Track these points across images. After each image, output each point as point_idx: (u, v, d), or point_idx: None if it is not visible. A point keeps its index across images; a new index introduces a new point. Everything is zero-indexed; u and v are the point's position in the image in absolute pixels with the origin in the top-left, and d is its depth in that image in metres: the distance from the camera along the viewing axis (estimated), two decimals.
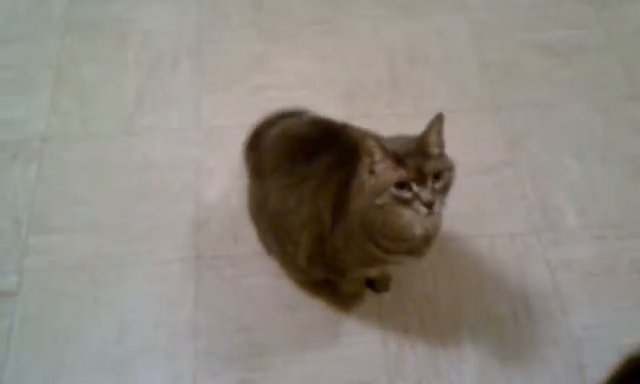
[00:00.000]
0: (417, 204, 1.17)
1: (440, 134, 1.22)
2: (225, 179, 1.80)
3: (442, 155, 1.22)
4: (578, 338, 1.51)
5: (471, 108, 1.95)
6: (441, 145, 1.23)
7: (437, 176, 1.18)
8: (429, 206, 1.16)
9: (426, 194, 1.16)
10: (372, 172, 1.21)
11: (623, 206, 1.72)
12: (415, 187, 1.16)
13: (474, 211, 1.72)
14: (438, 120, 1.21)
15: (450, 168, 1.21)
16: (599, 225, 1.69)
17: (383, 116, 1.94)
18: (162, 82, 2.02)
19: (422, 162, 1.18)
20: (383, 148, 1.18)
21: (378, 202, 1.20)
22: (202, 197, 1.77)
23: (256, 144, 1.50)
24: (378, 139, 1.19)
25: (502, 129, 1.90)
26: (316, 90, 2.00)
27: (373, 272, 1.50)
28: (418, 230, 1.25)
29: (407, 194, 1.17)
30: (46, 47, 2.13)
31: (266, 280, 1.60)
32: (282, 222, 1.40)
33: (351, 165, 1.28)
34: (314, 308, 1.56)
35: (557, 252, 1.64)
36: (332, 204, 1.33)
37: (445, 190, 1.20)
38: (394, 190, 1.17)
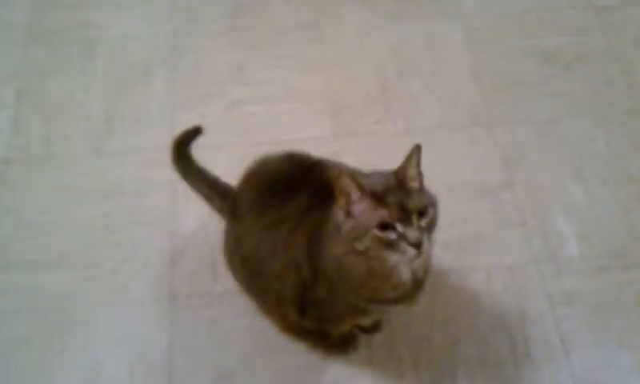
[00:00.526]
0: (404, 245, 1.07)
1: (419, 166, 1.13)
2: (203, 205, 1.70)
3: (422, 190, 1.14)
4: (582, 379, 1.44)
5: (465, 124, 1.87)
6: (420, 179, 1.14)
7: (421, 213, 1.09)
8: (417, 246, 1.07)
9: (412, 234, 1.07)
10: (349, 214, 1.11)
11: (627, 232, 1.65)
12: (400, 227, 1.07)
13: (470, 240, 1.64)
14: (416, 151, 1.11)
15: (433, 203, 1.13)
16: (602, 253, 1.62)
17: (371, 133, 1.86)
18: (134, 97, 1.92)
19: (403, 199, 1.09)
20: (360, 186, 1.09)
21: (359, 247, 1.10)
22: (177, 225, 1.67)
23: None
24: (353, 177, 1.09)
25: (497, 147, 1.82)
26: (299, 104, 1.92)
27: (365, 321, 1.41)
28: (406, 275, 1.16)
29: (392, 236, 1.07)
30: (7, 58, 2.00)
31: (246, 321, 1.51)
32: (258, 271, 1.31)
33: (326, 206, 1.18)
34: (299, 352, 1.48)
35: (558, 284, 1.57)
36: (307, 251, 1.23)
37: (431, 227, 1.11)
38: (376, 232, 1.08)
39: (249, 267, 1.34)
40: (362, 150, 1.81)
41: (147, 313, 1.54)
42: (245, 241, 1.33)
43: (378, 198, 1.09)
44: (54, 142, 1.84)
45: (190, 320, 1.53)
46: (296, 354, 1.48)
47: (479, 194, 1.72)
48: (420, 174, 1.14)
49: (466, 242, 1.63)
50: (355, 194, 1.10)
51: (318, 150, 1.76)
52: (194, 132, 1.53)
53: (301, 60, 2.01)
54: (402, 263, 1.13)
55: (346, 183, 1.09)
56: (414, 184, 1.13)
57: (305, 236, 1.24)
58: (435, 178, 1.72)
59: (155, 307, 1.55)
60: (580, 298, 1.56)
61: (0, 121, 1.87)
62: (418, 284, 1.21)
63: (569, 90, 1.93)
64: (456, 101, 1.91)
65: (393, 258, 1.10)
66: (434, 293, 1.54)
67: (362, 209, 1.10)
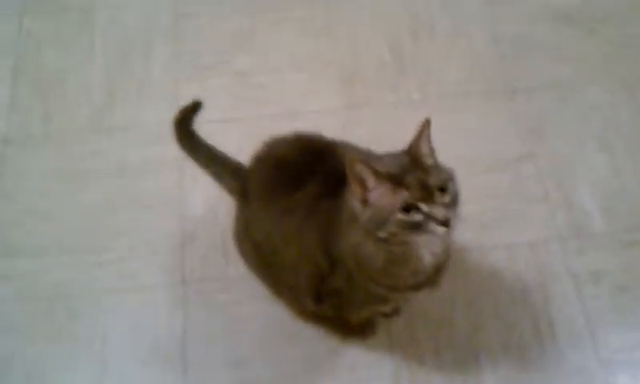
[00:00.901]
0: (432, 225, 1.03)
1: (430, 141, 1.09)
2: (212, 184, 1.65)
3: (438, 165, 1.09)
4: (609, 362, 1.41)
5: (483, 91, 1.81)
6: (433, 154, 1.10)
7: (442, 189, 1.05)
8: (445, 223, 1.03)
9: (439, 211, 1.03)
10: (366, 202, 1.07)
11: None
12: (424, 207, 1.03)
13: (489, 216, 1.60)
14: (427, 126, 1.07)
15: (451, 177, 1.09)
16: (629, 228, 1.58)
17: (385, 103, 1.81)
18: (135, 69, 1.87)
19: (423, 177, 1.05)
20: (375, 171, 1.05)
21: (382, 234, 1.06)
22: (186, 206, 1.63)
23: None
24: (367, 162, 1.05)
25: (517, 116, 1.76)
26: (308, 73, 1.86)
27: (385, 308, 1.38)
28: (428, 259, 1.12)
29: (417, 217, 1.03)
30: (1, 30, 1.92)
31: (261, 306, 1.48)
32: (270, 259, 1.27)
33: (339, 193, 1.15)
34: (316, 338, 1.45)
35: (582, 262, 1.54)
36: (321, 241, 1.19)
37: (454, 202, 1.07)
38: (400, 216, 1.04)
39: (260, 254, 1.31)
40: (375, 121, 1.76)
41: (159, 300, 1.51)
42: (255, 227, 1.29)
43: (395, 180, 1.04)
44: (54, 119, 1.79)
45: (204, 306, 1.50)
46: (313, 339, 1.45)
47: (499, 167, 1.68)
48: (432, 150, 1.09)
49: (485, 219, 1.60)
50: (371, 180, 1.05)
51: (329, 121, 1.73)
52: (194, 107, 1.48)
53: (309, 25, 1.95)
54: (428, 245, 1.09)
55: (360, 170, 1.05)
56: (429, 160, 1.09)
57: (318, 225, 1.20)
58: (452, 150, 1.65)
59: (167, 294, 1.52)
60: (606, 276, 1.52)
61: None
62: (439, 268, 1.17)
63: (591, 53, 1.87)
64: (473, 66, 1.85)
65: (421, 240, 1.06)
66: (455, 273, 1.50)
67: (380, 194, 1.06)
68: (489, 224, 1.59)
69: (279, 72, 1.86)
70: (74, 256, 1.57)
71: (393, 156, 1.11)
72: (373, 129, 1.73)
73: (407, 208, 1.03)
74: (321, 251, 1.20)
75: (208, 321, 1.48)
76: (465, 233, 1.53)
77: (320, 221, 1.20)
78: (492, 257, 1.55)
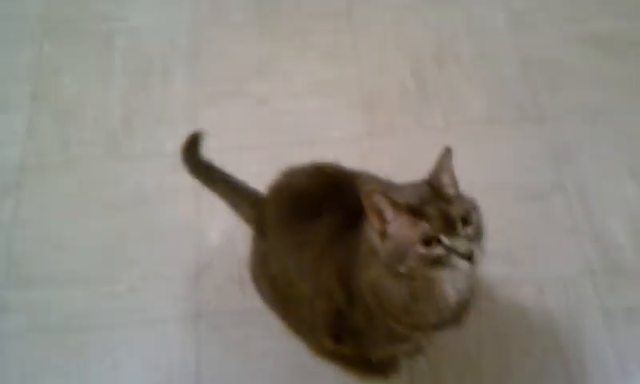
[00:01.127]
0: (454, 259, 0.98)
1: (451, 170, 1.04)
2: (229, 214, 1.62)
3: (460, 196, 1.04)
4: None
5: (511, 118, 1.76)
6: (455, 184, 1.05)
7: (464, 220, 1.00)
8: (469, 257, 0.98)
9: (462, 244, 0.98)
10: (384, 235, 1.02)
11: None
12: (446, 240, 0.98)
13: (518, 249, 1.55)
14: (447, 155, 1.03)
15: (474, 207, 1.03)
16: None
17: (408, 130, 1.76)
18: (153, 95, 1.85)
19: (444, 208, 0.99)
20: (393, 202, 1.00)
21: (402, 269, 1.01)
22: (202, 236, 1.60)
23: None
24: (385, 193, 1.00)
25: (547, 143, 1.71)
26: (330, 99, 1.83)
27: (406, 347, 1.33)
28: (452, 296, 1.07)
29: (439, 251, 0.98)
30: (20, 55, 1.93)
31: (278, 342, 1.44)
32: (286, 294, 1.23)
33: (358, 225, 1.10)
34: (335, 377, 1.41)
35: (615, 299, 1.48)
36: (339, 275, 1.15)
37: (478, 234, 1.02)
38: (420, 250, 0.99)
39: (276, 289, 1.27)
40: (398, 148, 1.72)
41: (171, 334, 1.48)
42: (271, 260, 1.25)
43: (415, 211, 1.00)
44: (70, 146, 1.77)
45: (218, 341, 1.47)
46: (331, 378, 1.41)
47: (527, 197, 1.63)
48: (454, 179, 1.04)
49: (513, 252, 1.54)
50: (389, 212, 1.01)
51: (349, 149, 1.69)
52: (193, 140, 1.46)
53: (330, 51, 1.91)
54: (452, 281, 1.04)
55: (378, 201, 1.00)
56: (451, 191, 1.04)
57: (336, 258, 1.16)
58: (478, 179, 1.61)
59: (180, 327, 1.49)
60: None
61: (14, 124, 1.80)
62: (464, 305, 1.12)
63: (624, 78, 1.82)
64: (501, 92, 1.80)
65: (443, 275, 1.01)
66: (481, 310, 1.45)
67: (400, 226, 1.01)
68: (517, 257, 1.54)
69: (300, 98, 1.83)
70: (87, 287, 1.55)
71: (413, 186, 1.06)
72: (395, 157, 1.69)
73: (428, 241, 0.98)
74: (338, 286, 1.16)
75: (223, 357, 1.45)
76: (492, 267, 1.48)
77: (338, 253, 1.16)
78: (520, 293, 1.49)
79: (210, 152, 1.70)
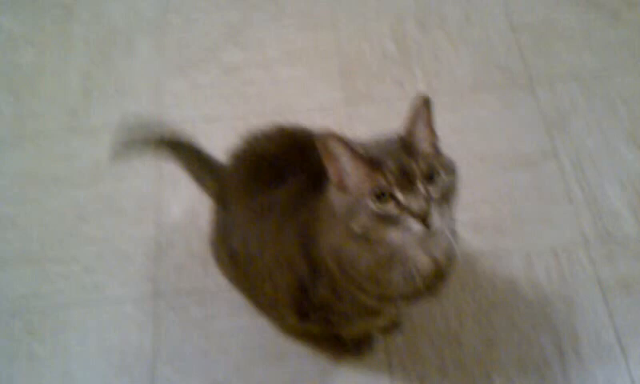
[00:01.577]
0: (408, 220, 0.88)
1: (429, 123, 0.94)
2: (192, 189, 1.54)
3: (436, 153, 0.94)
4: None
5: (500, 84, 1.67)
6: (433, 139, 0.95)
7: (430, 178, 0.90)
8: (423, 218, 0.87)
9: (415, 203, 0.88)
10: (341, 185, 0.93)
11: None
12: (400, 196, 0.88)
13: (506, 219, 1.46)
14: (424, 105, 0.92)
15: (448, 169, 0.93)
16: None
17: (389, 98, 1.67)
18: (115, 66, 1.78)
19: (405, 161, 0.90)
20: (351, 148, 0.90)
21: (355, 227, 0.92)
22: (163, 212, 1.52)
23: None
24: (342, 138, 0.91)
25: (538, 109, 1.63)
26: (305, 67, 1.75)
27: (379, 322, 1.23)
28: (423, 263, 0.98)
29: (391, 208, 0.89)
30: None
31: (242, 321, 1.36)
32: (247, 269, 1.14)
33: (322, 189, 1.01)
34: (305, 358, 1.32)
35: (611, 270, 1.39)
36: (301, 244, 1.06)
37: (446, 198, 0.91)
38: (372, 205, 0.89)
39: (237, 264, 1.18)
40: (378, 118, 1.64)
41: (128, 315, 1.40)
42: (232, 233, 1.16)
43: (372, 162, 0.90)
44: (25, 120, 1.69)
45: (178, 322, 1.38)
46: (300, 358, 1.32)
47: (517, 166, 1.54)
48: (432, 134, 0.95)
49: (501, 222, 1.46)
50: (346, 159, 0.91)
51: (326, 119, 1.61)
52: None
53: (305, 16, 1.83)
54: (409, 245, 0.94)
55: (334, 146, 0.91)
56: (425, 146, 0.94)
57: (297, 226, 1.07)
58: (465, 147, 1.56)
59: (137, 308, 1.40)
60: (638, 285, 1.37)
61: None
62: (439, 272, 1.02)
63: (618, 41, 1.74)
64: (489, 57, 1.72)
65: (396, 237, 0.90)
66: (464, 282, 1.37)
67: (356, 178, 0.92)
68: (505, 228, 1.45)
69: (272, 67, 1.75)
70: (38, 267, 1.46)
71: (381, 137, 0.97)
72: (374, 127, 1.57)
73: (379, 195, 0.89)
74: (300, 255, 1.07)
75: (182, 339, 1.36)
76: (478, 237, 1.41)
77: (300, 220, 1.07)
78: (508, 264, 1.41)
79: (176, 125, 1.62)
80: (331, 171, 0.93)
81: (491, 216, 1.46)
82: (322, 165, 1.00)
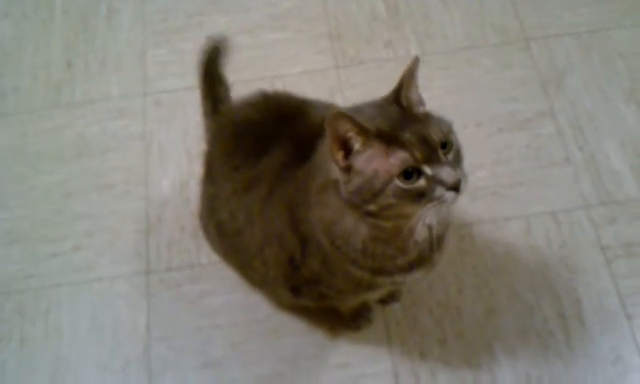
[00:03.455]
0: (439, 190, 0.84)
1: (417, 85, 0.89)
2: (181, 160, 1.50)
3: (432, 115, 0.89)
4: None
5: (494, 42, 1.62)
6: (421, 100, 0.90)
7: (443, 145, 0.85)
8: (456, 187, 0.83)
9: (448, 173, 0.83)
10: (349, 168, 0.87)
11: None
12: (428, 169, 0.83)
13: (503, 184, 1.42)
14: (416, 66, 0.87)
15: (450, 127, 0.88)
16: None
17: (379, 60, 1.61)
18: (97, 36, 1.70)
19: (422, 131, 0.84)
20: (362, 128, 0.84)
21: (373, 208, 0.86)
22: (152, 187, 1.46)
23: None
24: (352, 118, 0.84)
25: (533, 68, 1.57)
26: (292, 31, 1.68)
27: (374, 295, 1.18)
28: (424, 233, 0.93)
29: (422, 183, 0.83)
30: None
31: (237, 297, 1.31)
32: (236, 244, 1.09)
33: (310, 159, 0.97)
34: (302, 332, 1.28)
35: (614, 233, 1.35)
36: (290, 216, 1.00)
37: (459, 159, 0.88)
38: (400, 184, 0.83)
39: (225, 238, 1.12)
40: (368, 81, 1.58)
41: (120, 293, 1.35)
42: (219, 206, 1.10)
43: (388, 138, 0.84)
44: (7, 96, 1.62)
45: (171, 299, 1.33)
46: (298, 333, 1.28)
47: (513, 128, 1.49)
48: (420, 95, 0.90)
49: (498, 187, 1.41)
50: (357, 141, 0.85)
51: (315, 84, 1.56)
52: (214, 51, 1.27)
53: None
54: (428, 218, 0.90)
55: (343, 127, 0.84)
56: (421, 110, 0.89)
57: (286, 198, 1.01)
58: (459, 109, 1.50)
59: (129, 286, 1.35)
60: None
61: None
62: (436, 242, 0.97)
63: None
64: (481, 15, 1.66)
65: (424, 210, 0.86)
66: (463, 250, 1.33)
67: (370, 158, 0.86)
68: (503, 192, 1.40)
69: (259, 31, 1.68)
70: (26, 246, 1.40)
71: (377, 107, 0.91)
72: (365, 91, 1.51)
73: (408, 173, 0.83)
74: (289, 229, 1.01)
75: (176, 316, 1.31)
76: (474, 203, 1.36)
77: (288, 191, 1.01)
78: (507, 230, 1.36)
79: (161, 94, 1.56)
80: (337, 154, 0.87)
81: (488, 180, 1.41)
82: (307, 133, 0.95)
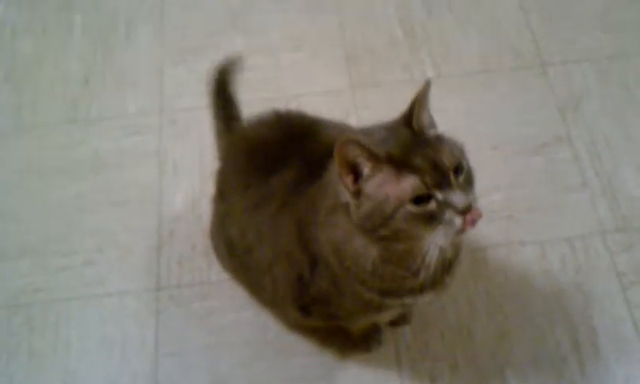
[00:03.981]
0: (449, 214, 0.82)
1: (428, 108, 0.89)
2: (194, 178, 1.49)
3: (443, 138, 0.88)
4: None
5: (510, 66, 1.60)
6: (433, 123, 0.90)
7: (456, 169, 0.84)
8: (466, 212, 0.82)
9: (459, 198, 0.83)
10: (359, 193, 0.86)
11: None
12: (439, 194, 0.81)
13: (519, 207, 1.39)
14: (427, 89, 0.87)
15: (462, 152, 0.88)
16: None
17: (395, 83, 1.60)
18: (115, 54, 1.71)
19: (433, 155, 0.83)
20: (372, 153, 0.84)
21: (384, 232, 0.84)
22: (165, 204, 1.46)
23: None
24: (361, 143, 0.83)
25: (550, 93, 1.56)
26: (309, 52, 1.68)
27: (384, 317, 1.17)
28: (436, 256, 0.90)
29: (432, 207, 0.82)
30: None
31: (246, 315, 1.30)
32: (246, 262, 1.08)
33: (322, 178, 0.96)
34: (311, 353, 1.26)
35: (630, 259, 1.33)
36: (299, 237, 1.00)
37: (470, 183, 0.87)
38: (411, 208, 0.82)
39: (235, 256, 1.11)
40: (384, 103, 1.56)
41: (129, 308, 1.34)
42: (229, 223, 1.09)
43: (399, 163, 0.83)
44: (24, 111, 1.63)
45: (179, 316, 1.32)
46: (307, 354, 1.27)
47: (529, 152, 1.47)
48: (432, 117, 0.89)
49: (513, 211, 1.40)
50: (367, 166, 0.85)
51: (331, 104, 1.55)
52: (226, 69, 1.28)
53: (310, 0, 1.74)
54: (442, 239, 0.87)
55: (352, 152, 0.84)
56: (432, 133, 0.88)
57: (296, 216, 1.00)
58: (475, 132, 1.49)
59: (139, 301, 1.35)
60: None
61: None
62: (448, 265, 0.95)
63: (633, 21, 1.65)
64: (498, 39, 1.65)
65: (434, 234, 0.85)
66: (476, 274, 1.30)
67: (381, 182, 0.85)
68: (518, 216, 1.39)
69: (276, 53, 1.68)
70: (37, 260, 1.40)
71: (387, 129, 0.90)
72: (381, 112, 1.50)
73: (419, 197, 0.82)
74: (299, 247, 1.00)
75: (185, 333, 1.30)
76: (489, 226, 1.34)
77: (298, 209, 1.01)
78: (521, 254, 1.34)
79: (177, 112, 1.56)
80: (347, 179, 0.86)
81: (504, 204, 1.39)
82: (319, 152, 0.94)
